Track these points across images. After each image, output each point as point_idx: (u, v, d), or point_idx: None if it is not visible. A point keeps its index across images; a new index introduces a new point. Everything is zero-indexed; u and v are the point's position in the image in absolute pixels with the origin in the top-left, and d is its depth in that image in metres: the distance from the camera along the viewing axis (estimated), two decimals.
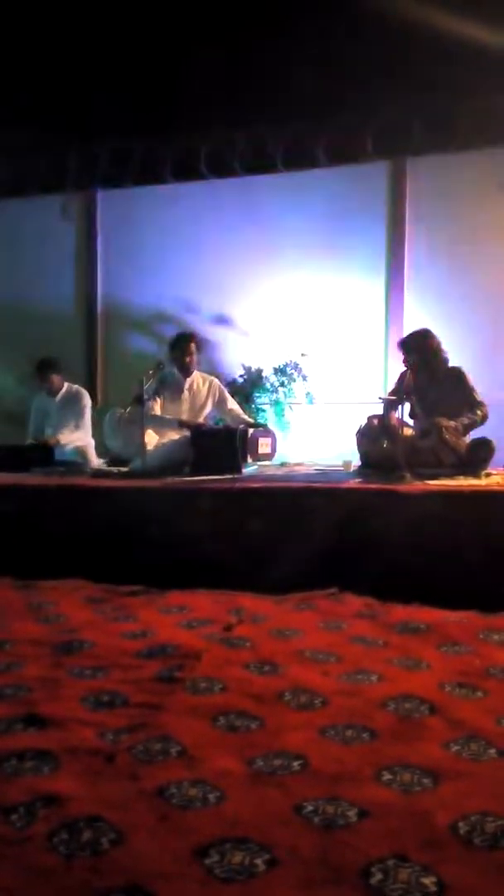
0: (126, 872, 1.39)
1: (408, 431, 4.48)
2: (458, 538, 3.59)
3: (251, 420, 5.41)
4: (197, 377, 5.35)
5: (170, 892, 1.34)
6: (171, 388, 5.17)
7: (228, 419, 5.36)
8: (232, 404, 5.42)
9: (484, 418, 4.46)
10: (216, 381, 5.43)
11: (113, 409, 5.21)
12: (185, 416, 5.16)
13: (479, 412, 4.44)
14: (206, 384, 5.36)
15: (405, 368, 4.63)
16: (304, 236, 6.62)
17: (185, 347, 5.24)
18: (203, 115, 6.11)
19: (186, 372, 5.26)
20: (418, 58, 5.27)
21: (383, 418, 4.49)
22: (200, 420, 5.20)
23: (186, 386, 5.28)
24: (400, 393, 4.51)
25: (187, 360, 5.22)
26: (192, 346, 5.27)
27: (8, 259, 7.43)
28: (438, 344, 4.61)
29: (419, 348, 4.60)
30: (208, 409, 5.33)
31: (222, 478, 4.34)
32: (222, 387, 5.44)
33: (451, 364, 4.63)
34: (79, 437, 5.69)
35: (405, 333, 6.42)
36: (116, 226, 7.32)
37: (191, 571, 3.72)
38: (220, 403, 5.36)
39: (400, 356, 4.73)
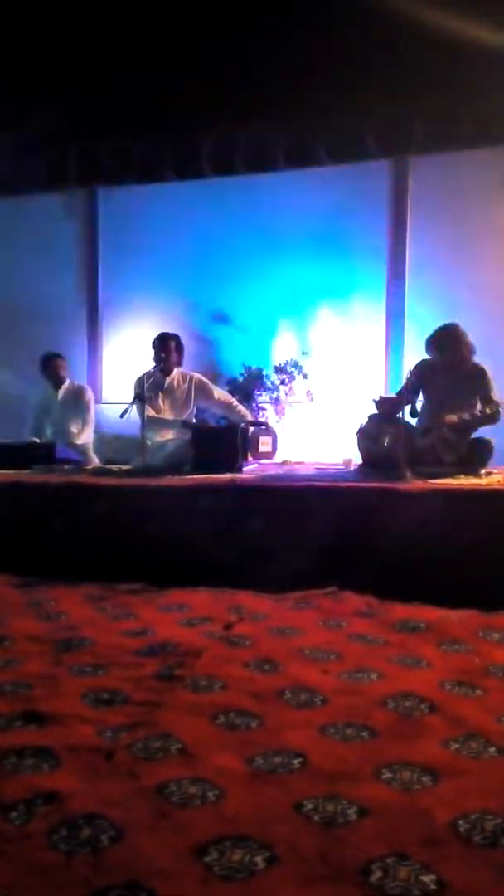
0: (125, 870, 1.39)
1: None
2: (458, 537, 3.58)
3: (242, 409, 5.43)
4: (176, 375, 5.36)
5: (169, 889, 1.34)
6: (150, 387, 5.17)
7: (218, 409, 5.37)
8: (219, 393, 5.44)
9: (491, 417, 4.31)
10: (196, 375, 5.43)
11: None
12: (165, 415, 5.19)
13: (487, 409, 4.31)
14: (186, 380, 5.37)
15: (426, 361, 4.55)
16: (306, 235, 6.61)
17: (163, 347, 5.26)
18: (205, 113, 6.10)
19: (166, 371, 5.29)
20: (420, 56, 5.26)
21: (379, 417, 4.44)
22: (185, 417, 5.23)
23: (165, 385, 5.30)
24: (401, 393, 4.48)
25: (167, 358, 5.24)
26: (172, 345, 5.29)
27: (9, 257, 7.43)
28: (468, 342, 4.44)
29: (449, 348, 4.51)
30: (191, 405, 5.33)
31: (223, 476, 4.34)
32: (204, 379, 5.43)
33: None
34: (89, 434, 5.74)
35: (406, 332, 6.44)
36: (118, 223, 7.32)
37: (191, 569, 3.72)
38: (206, 396, 5.37)
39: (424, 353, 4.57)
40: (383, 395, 4.68)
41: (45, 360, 5.88)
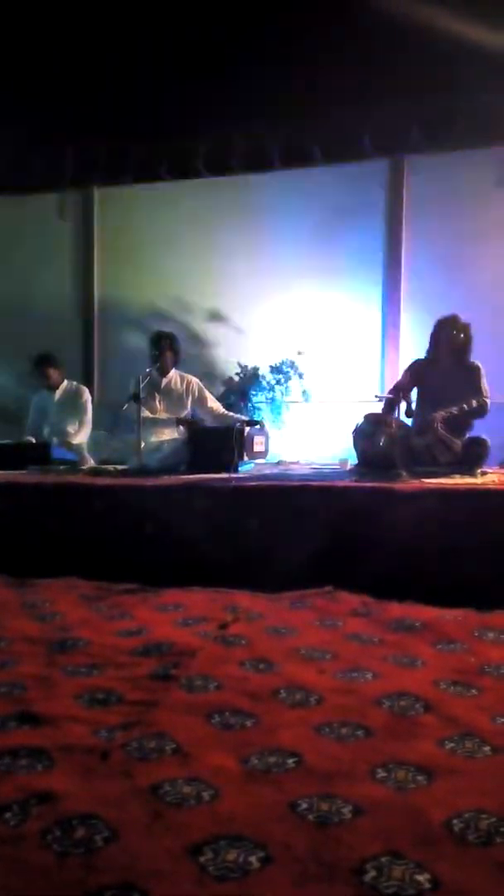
0: (120, 870, 1.39)
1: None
2: (453, 536, 3.59)
3: (235, 416, 5.42)
4: (174, 376, 5.37)
5: (163, 889, 1.34)
6: (146, 387, 5.16)
7: (209, 418, 5.37)
8: (212, 403, 5.43)
9: (480, 409, 4.33)
10: (195, 380, 5.43)
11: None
12: (160, 415, 5.19)
13: (474, 402, 4.31)
14: (184, 383, 5.37)
15: (421, 360, 4.58)
16: (302, 234, 6.62)
17: (158, 346, 5.26)
18: (201, 114, 6.10)
19: (163, 371, 5.29)
20: (417, 56, 5.27)
21: (381, 415, 4.45)
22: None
23: (162, 385, 5.30)
24: (398, 391, 4.48)
25: (163, 358, 5.24)
26: (167, 345, 5.28)
27: (5, 257, 7.42)
28: (462, 331, 4.52)
29: (440, 335, 4.53)
30: (187, 408, 5.33)
31: (218, 476, 4.33)
32: (202, 386, 5.44)
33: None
34: (85, 434, 5.74)
35: (402, 332, 6.45)
36: (114, 224, 7.32)
37: (186, 569, 3.72)
38: (199, 402, 5.37)
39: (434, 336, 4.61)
40: (380, 394, 4.69)
41: (35, 362, 5.88)
